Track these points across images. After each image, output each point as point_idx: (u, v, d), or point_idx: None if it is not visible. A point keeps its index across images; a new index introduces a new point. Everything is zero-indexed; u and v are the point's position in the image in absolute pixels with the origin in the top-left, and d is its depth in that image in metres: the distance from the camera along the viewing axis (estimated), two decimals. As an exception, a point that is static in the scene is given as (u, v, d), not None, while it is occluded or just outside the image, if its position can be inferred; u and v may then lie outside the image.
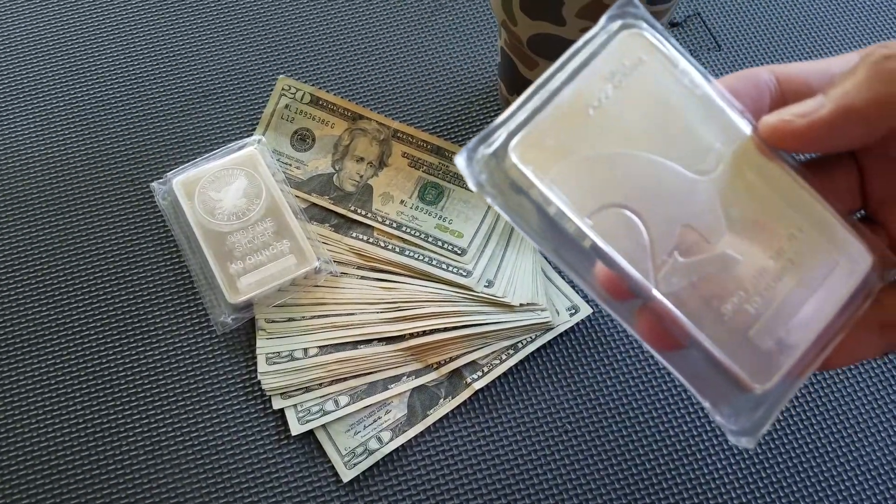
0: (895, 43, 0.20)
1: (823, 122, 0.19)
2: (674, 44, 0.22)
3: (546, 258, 0.48)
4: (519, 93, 0.47)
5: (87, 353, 0.46)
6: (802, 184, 0.21)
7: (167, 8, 0.56)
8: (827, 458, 0.44)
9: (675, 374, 0.21)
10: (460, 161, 0.20)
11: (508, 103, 0.50)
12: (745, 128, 0.21)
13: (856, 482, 0.44)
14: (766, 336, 0.20)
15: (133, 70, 0.54)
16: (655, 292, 0.20)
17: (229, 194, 0.48)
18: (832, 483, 0.44)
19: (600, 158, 0.20)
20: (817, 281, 0.21)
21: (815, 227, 0.21)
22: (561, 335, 0.46)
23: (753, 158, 0.21)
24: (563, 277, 0.48)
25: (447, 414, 0.45)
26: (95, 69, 0.54)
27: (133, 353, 0.46)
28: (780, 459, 0.44)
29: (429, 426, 0.44)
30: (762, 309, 0.20)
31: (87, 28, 0.55)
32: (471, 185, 0.20)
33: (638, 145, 0.21)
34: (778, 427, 0.45)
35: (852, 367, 0.47)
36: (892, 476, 0.44)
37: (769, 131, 0.20)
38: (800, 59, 0.56)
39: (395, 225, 0.49)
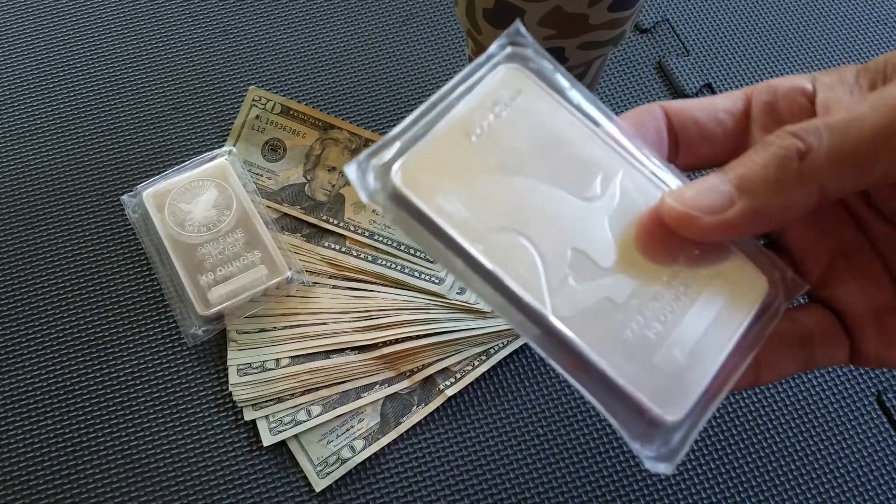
0: (788, 87, 0.20)
1: (731, 224, 0.19)
2: (562, 73, 0.22)
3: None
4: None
5: (57, 367, 0.46)
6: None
7: (135, 20, 0.56)
8: (795, 459, 0.45)
9: (589, 398, 0.20)
10: (351, 171, 0.20)
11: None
12: (628, 156, 0.21)
13: (823, 480, 0.44)
14: (670, 362, 0.20)
15: (102, 82, 0.54)
16: (552, 318, 0.20)
17: (199, 206, 0.48)
18: (800, 482, 0.44)
19: (486, 184, 0.20)
20: (716, 305, 0.21)
21: (706, 252, 0.21)
22: (533, 340, 0.46)
23: (639, 183, 0.21)
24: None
25: (420, 421, 0.45)
26: (63, 82, 0.54)
27: (103, 366, 0.46)
28: (749, 459, 0.45)
29: (402, 434, 0.44)
30: (663, 335, 0.20)
31: (54, 39, 0.55)
32: (361, 197, 0.20)
33: (522, 171, 0.20)
34: (746, 427, 0.45)
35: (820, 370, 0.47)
36: (860, 475, 0.45)
37: (675, 221, 0.20)
38: (768, 63, 0.57)
39: (367, 234, 0.49)
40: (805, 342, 0.22)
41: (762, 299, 0.21)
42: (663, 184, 0.22)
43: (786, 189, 0.19)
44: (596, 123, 0.22)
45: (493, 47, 0.22)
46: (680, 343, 0.20)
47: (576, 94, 0.22)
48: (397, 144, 0.20)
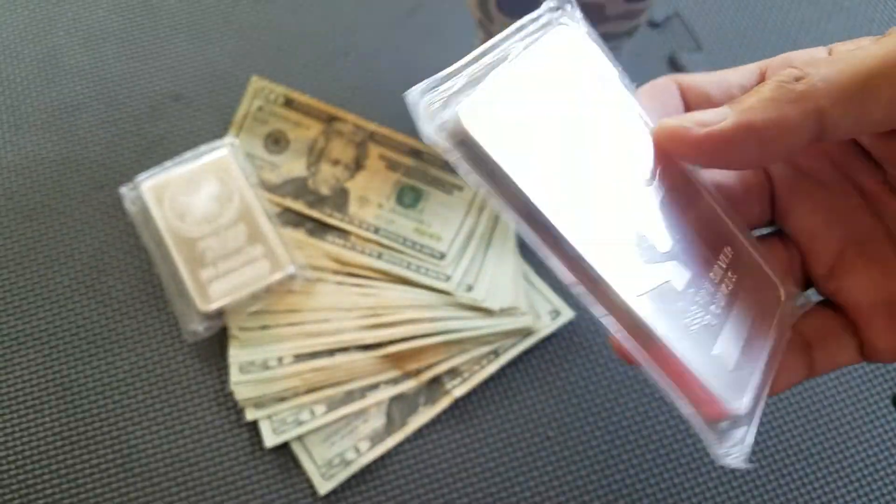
0: (806, 58, 0.19)
1: (722, 136, 0.18)
2: (605, 50, 0.21)
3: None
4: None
5: (56, 363, 0.44)
6: (717, 206, 0.21)
7: (137, 9, 0.55)
8: (811, 461, 0.44)
9: (663, 385, 0.20)
10: (414, 103, 0.18)
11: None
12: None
13: (839, 484, 0.43)
14: (727, 355, 0.20)
15: (101, 73, 0.53)
16: (631, 298, 0.19)
17: (200, 199, 0.47)
18: (815, 486, 0.43)
19: (553, 146, 0.19)
20: (751, 306, 0.21)
21: (739, 253, 0.21)
22: (542, 340, 0.45)
23: (678, 177, 0.21)
24: (545, 280, 0.47)
25: (426, 422, 0.44)
26: (62, 73, 0.52)
27: (102, 363, 0.45)
28: (763, 464, 0.44)
29: (408, 435, 0.43)
30: (717, 327, 0.20)
31: (54, 31, 0.54)
32: (422, 131, 0.18)
33: (586, 142, 0.19)
34: (761, 431, 0.44)
35: (834, 372, 0.46)
36: (876, 479, 0.44)
37: (665, 136, 0.19)
38: (780, 58, 0.55)
39: (372, 229, 0.48)
40: (807, 347, 0.21)
41: (781, 305, 0.21)
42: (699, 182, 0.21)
43: (782, 106, 0.18)
44: (636, 104, 0.21)
45: (543, 6, 0.21)
46: (732, 337, 0.20)
47: (616, 71, 0.21)
48: (461, 80, 0.18)
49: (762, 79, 0.22)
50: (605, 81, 0.21)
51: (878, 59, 0.17)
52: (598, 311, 0.19)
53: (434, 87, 0.19)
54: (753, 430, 0.20)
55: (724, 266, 0.21)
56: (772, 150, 0.19)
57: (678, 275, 0.20)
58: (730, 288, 0.21)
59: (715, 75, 0.22)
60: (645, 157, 0.20)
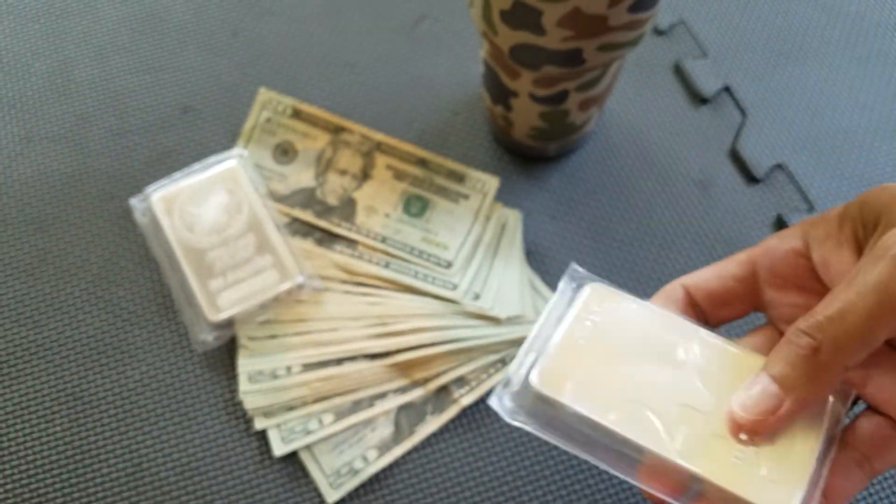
0: (812, 324, 0.23)
1: (787, 417, 0.24)
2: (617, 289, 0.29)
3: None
4: (502, 103, 0.46)
5: (67, 373, 0.45)
6: (741, 347, 0.27)
7: (146, 22, 0.55)
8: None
9: None
10: (494, 402, 0.26)
11: (492, 113, 0.50)
12: (692, 326, 0.27)
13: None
14: (774, 470, 0.24)
15: (112, 85, 0.53)
16: (680, 460, 0.24)
17: (209, 210, 0.47)
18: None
19: (600, 374, 0.26)
20: (799, 421, 0.25)
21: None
22: (549, 348, 0.46)
23: (709, 344, 0.27)
24: (551, 289, 0.47)
25: (435, 431, 0.44)
26: (73, 86, 0.53)
27: (113, 373, 0.45)
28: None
29: (416, 444, 0.43)
30: (760, 453, 0.24)
31: (64, 45, 0.55)
32: (510, 422, 0.26)
33: (623, 359, 0.26)
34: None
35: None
36: (884, 486, 0.44)
37: (747, 427, 0.24)
38: (786, 65, 0.55)
39: (379, 238, 0.48)
40: (863, 462, 0.25)
41: (829, 409, 0.25)
42: (724, 343, 0.27)
43: (816, 380, 0.24)
44: (660, 312, 0.28)
45: (562, 283, 0.29)
46: (776, 457, 0.24)
47: (634, 298, 0.28)
48: (525, 366, 0.27)
49: (753, 269, 0.28)
50: (626, 307, 0.28)
51: (869, 315, 0.22)
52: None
53: (507, 384, 0.27)
54: None
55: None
56: (817, 398, 0.25)
57: (721, 423, 0.25)
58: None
59: (712, 272, 0.29)
60: (674, 346, 0.27)
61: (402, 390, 0.44)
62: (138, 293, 0.47)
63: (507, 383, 0.27)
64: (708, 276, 0.29)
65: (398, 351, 0.45)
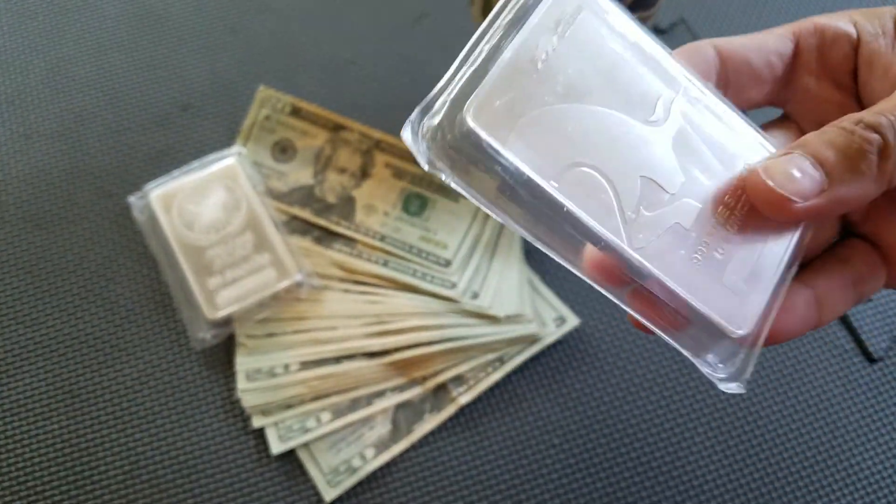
0: (882, 122, 0.20)
1: (818, 210, 0.20)
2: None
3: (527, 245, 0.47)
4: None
5: (65, 370, 0.45)
6: (744, 126, 0.22)
7: (144, 19, 0.55)
8: (818, 468, 0.44)
9: (655, 330, 0.21)
10: (406, 136, 0.19)
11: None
12: (685, 78, 0.22)
13: (847, 491, 0.43)
14: (737, 282, 0.21)
15: (110, 83, 0.53)
16: (630, 251, 0.20)
17: (208, 207, 0.47)
18: (823, 493, 0.43)
19: (554, 116, 0.20)
20: (766, 225, 0.22)
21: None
22: (548, 347, 0.45)
23: (698, 106, 0.22)
24: (548, 287, 0.47)
25: (433, 429, 0.44)
26: (71, 83, 0.53)
27: (110, 370, 0.45)
28: (770, 470, 0.44)
29: (414, 442, 0.43)
30: (728, 255, 0.21)
31: (62, 42, 0.54)
32: (421, 163, 0.19)
33: (588, 98, 0.20)
34: (769, 437, 0.44)
35: (839, 377, 0.46)
36: (886, 486, 0.43)
37: (765, 201, 0.21)
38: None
39: (378, 237, 0.48)
40: (857, 282, 0.23)
41: (800, 230, 0.22)
42: (721, 106, 0.22)
43: (866, 183, 0.20)
44: (649, 45, 0.22)
45: None
46: (742, 263, 0.21)
47: (626, 17, 0.22)
48: (452, 93, 0.20)
49: (797, 46, 0.24)
50: (608, 28, 0.21)
51: None
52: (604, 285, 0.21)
53: (427, 110, 0.19)
54: (757, 352, 0.21)
55: (738, 193, 0.21)
56: (847, 210, 0.21)
57: (686, 212, 0.21)
58: (743, 212, 0.21)
59: (752, 41, 0.24)
60: (652, 95, 0.21)
61: (401, 389, 0.44)
62: (136, 291, 0.47)
63: (426, 109, 0.20)
64: (746, 44, 0.24)
65: (396, 349, 0.45)
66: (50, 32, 0.55)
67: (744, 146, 0.22)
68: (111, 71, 0.53)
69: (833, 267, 0.23)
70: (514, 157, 0.19)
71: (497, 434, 0.44)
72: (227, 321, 0.45)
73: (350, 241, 0.48)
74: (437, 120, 0.19)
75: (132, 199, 0.48)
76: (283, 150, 0.51)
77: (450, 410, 0.44)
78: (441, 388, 0.44)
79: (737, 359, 0.21)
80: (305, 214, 0.49)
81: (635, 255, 0.20)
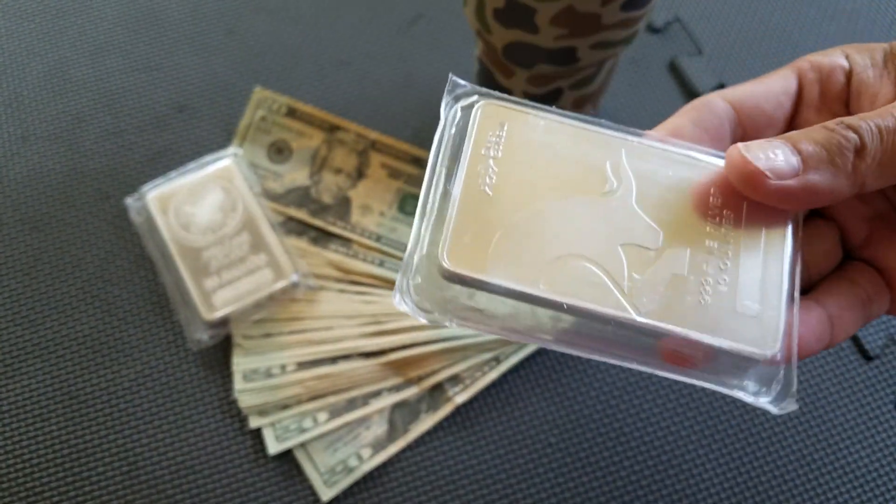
0: (863, 125, 0.21)
1: (789, 191, 0.21)
2: (516, 98, 0.23)
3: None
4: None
5: (63, 372, 0.45)
6: (700, 156, 0.22)
7: (141, 21, 0.55)
8: (813, 467, 0.44)
9: (693, 381, 0.21)
10: (399, 303, 0.20)
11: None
12: (622, 138, 0.22)
13: (844, 490, 0.43)
14: (750, 306, 0.21)
15: (107, 85, 0.53)
16: (640, 319, 0.20)
17: (204, 208, 0.48)
18: (820, 491, 0.43)
19: (520, 228, 0.21)
20: (758, 243, 0.22)
21: (730, 192, 0.22)
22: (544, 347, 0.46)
23: (646, 156, 0.22)
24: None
25: (429, 429, 0.44)
26: (68, 85, 0.53)
27: (108, 371, 0.45)
28: (765, 469, 0.44)
29: (410, 442, 0.43)
30: (732, 284, 0.21)
31: (60, 44, 0.55)
32: (420, 320, 0.20)
33: (544, 197, 0.21)
34: (765, 435, 0.44)
35: (835, 374, 0.46)
36: (881, 483, 0.44)
37: (740, 175, 0.21)
38: (782, 62, 0.55)
39: (374, 237, 0.48)
40: (866, 302, 0.24)
41: (791, 221, 0.22)
42: (668, 147, 0.22)
43: (839, 177, 0.21)
44: (576, 126, 0.22)
45: (442, 111, 0.22)
46: (748, 286, 0.21)
47: (543, 108, 0.23)
48: (422, 249, 0.21)
49: (800, 83, 0.25)
50: (532, 127, 0.22)
51: None
52: (625, 360, 0.21)
53: (407, 271, 0.21)
54: (795, 364, 0.21)
55: (717, 219, 0.22)
56: (816, 203, 0.22)
57: (678, 261, 0.21)
58: (733, 239, 0.21)
59: (759, 86, 0.24)
60: (599, 166, 0.22)
61: (397, 388, 0.44)
62: (134, 292, 0.47)
63: (406, 271, 0.21)
64: (754, 91, 0.24)
65: (392, 349, 0.45)
66: (47, 35, 0.55)
67: (709, 172, 0.22)
68: (108, 73, 0.54)
69: (842, 287, 0.24)
70: (497, 279, 0.20)
71: (493, 433, 0.44)
72: (223, 322, 0.45)
73: (346, 241, 0.48)
74: (419, 279, 0.20)
75: (129, 201, 0.49)
76: (279, 151, 0.51)
77: (446, 410, 0.44)
78: (437, 388, 0.44)
79: (777, 378, 0.21)
80: (301, 215, 0.49)
81: (647, 321, 0.20)
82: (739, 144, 0.21)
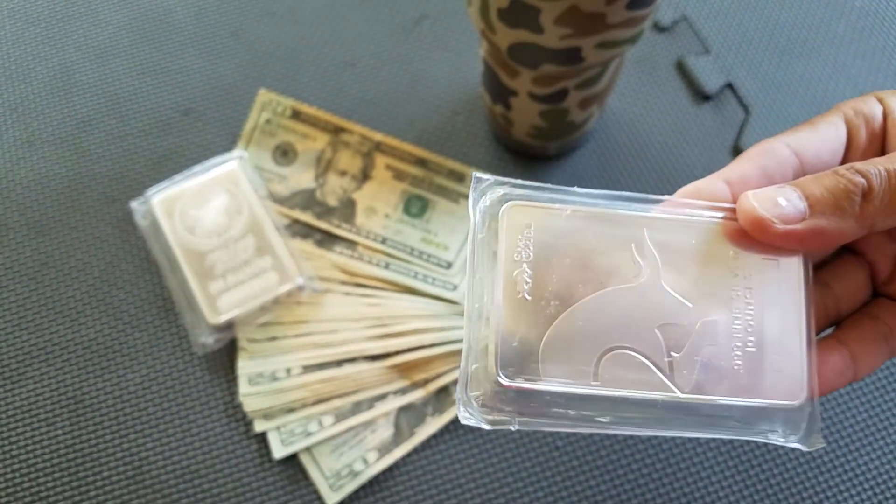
0: (871, 169, 0.22)
1: (797, 235, 0.22)
2: (537, 185, 0.23)
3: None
4: (502, 102, 0.46)
5: (68, 376, 0.45)
6: (705, 222, 0.23)
7: (146, 25, 0.55)
8: (822, 469, 0.43)
9: (730, 437, 0.23)
10: (464, 415, 0.22)
11: (492, 112, 0.50)
12: (643, 215, 0.23)
13: (853, 493, 0.43)
14: (777, 361, 0.22)
15: (112, 89, 0.53)
16: (684, 396, 0.22)
17: (209, 212, 0.47)
18: (830, 494, 0.43)
19: (562, 328, 0.22)
20: (776, 295, 0.23)
21: (742, 259, 0.23)
22: (550, 349, 0.45)
23: (666, 229, 0.23)
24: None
25: (435, 432, 0.43)
26: (74, 89, 0.53)
27: (113, 376, 0.45)
28: (777, 471, 0.43)
29: (416, 445, 0.43)
30: (759, 343, 0.22)
31: (65, 48, 0.55)
32: (485, 427, 0.22)
33: (579, 293, 0.22)
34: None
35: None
36: (893, 486, 0.43)
37: (750, 222, 0.22)
38: (790, 61, 0.55)
39: (379, 239, 0.48)
40: (889, 337, 0.25)
41: (802, 268, 0.23)
42: (686, 216, 0.23)
43: (846, 220, 0.22)
44: (598, 209, 0.23)
45: (470, 209, 0.23)
46: (774, 344, 0.22)
47: (564, 191, 0.24)
48: (476, 349, 0.22)
49: (848, 131, 0.25)
50: (557, 223, 0.23)
51: None
52: (674, 423, 0.22)
53: (465, 385, 0.22)
54: (817, 404, 0.22)
55: (739, 285, 0.23)
56: (826, 244, 0.23)
57: (710, 331, 0.22)
58: (753, 296, 0.23)
59: (816, 134, 0.25)
60: (626, 251, 0.23)
61: (402, 392, 0.44)
62: (139, 296, 0.47)
63: (465, 384, 0.22)
64: (813, 139, 0.25)
65: (398, 352, 0.44)
66: (52, 39, 0.55)
67: (726, 233, 0.23)
68: (113, 77, 0.54)
69: (864, 324, 0.25)
70: (551, 387, 0.21)
71: (500, 436, 0.44)
72: (228, 325, 0.45)
73: (351, 243, 0.48)
74: (478, 392, 0.22)
75: (134, 205, 0.49)
76: (284, 154, 0.51)
77: (452, 413, 0.44)
78: (443, 391, 0.44)
79: (804, 419, 0.22)
80: (307, 217, 0.49)
81: (691, 397, 0.22)
82: (749, 192, 0.23)
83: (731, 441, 0.44)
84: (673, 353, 0.22)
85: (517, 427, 0.22)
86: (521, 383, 0.21)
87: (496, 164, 0.51)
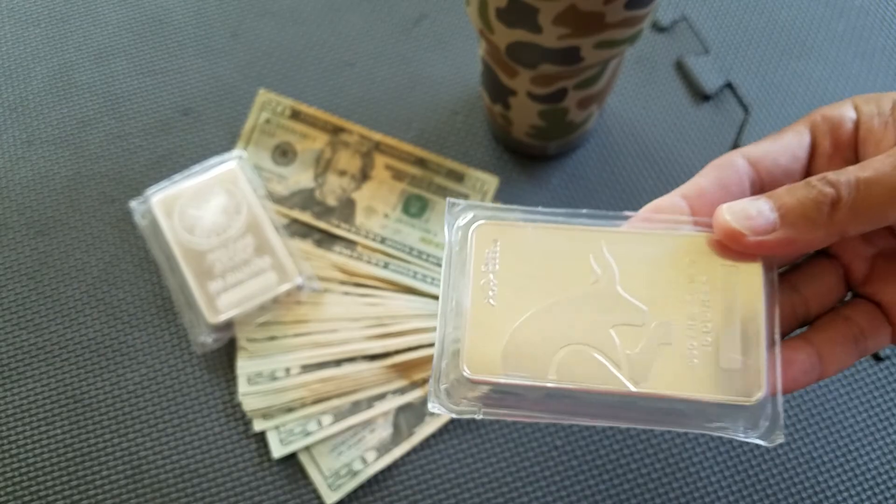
0: (841, 179, 0.23)
1: (769, 246, 0.23)
2: (504, 207, 0.26)
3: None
4: (501, 102, 0.46)
5: (67, 375, 0.45)
6: (661, 234, 0.25)
7: (146, 24, 0.56)
8: (822, 469, 0.43)
9: (688, 430, 0.24)
10: (434, 405, 0.24)
11: (491, 112, 0.50)
12: (602, 229, 0.25)
13: (853, 493, 0.43)
14: (734, 360, 0.23)
15: (111, 88, 0.53)
16: (636, 390, 0.23)
17: (209, 211, 0.47)
18: (829, 493, 0.43)
19: (522, 330, 0.24)
20: (735, 296, 0.24)
21: (703, 257, 0.25)
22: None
23: (623, 241, 0.25)
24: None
25: (434, 432, 0.43)
26: (73, 89, 0.53)
27: (113, 375, 0.45)
28: (776, 471, 0.43)
29: (415, 445, 0.43)
30: (715, 342, 0.23)
31: (65, 48, 0.55)
32: (452, 416, 0.24)
33: (539, 299, 0.24)
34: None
35: (844, 375, 0.45)
36: (890, 486, 0.43)
37: (724, 233, 0.24)
38: (789, 61, 0.55)
39: (378, 239, 0.48)
40: (859, 337, 0.26)
41: (763, 272, 0.24)
42: (644, 230, 0.25)
43: (816, 229, 0.23)
44: (559, 224, 0.26)
45: (446, 231, 0.26)
46: (729, 341, 0.23)
47: (529, 211, 0.26)
48: (447, 348, 0.24)
49: (813, 136, 0.26)
50: (521, 237, 0.25)
51: (894, 188, 0.22)
52: (627, 414, 0.24)
53: (437, 378, 0.24)
54: (780, 400, 0.23)
55: (697, 287, 0.24)
56: (798, 252, 0.24)
57: (665, 330, 0.24)
58: (710, 297, 0.24)
59: (776, 142, 0.26)
60: (584, 260, 0.25)
61: (401, 391, 0.44)
62: (138, 296, 0.47)
63: (436, 377, 0.24)
64: (771, 148, 0.26)
65: (397, 352, 0.44)
66: (52, 39, 0.55)
67: (682, 243, 0.25)
68: (112, 77, 0.54)
69: (834, 324, 0.26)
70: (512, 379, 0.23)
71: (499, 436, 0.44)
72: (228, 325, 0.45)
73: (350, 243, 0.48)
74: (447, 385, 0.24)
75: (133, 204, 0.49)
76: (284, 154, 0.51)
77: (451, 413, 0.44)
78: (442, 391, 0.44)
79: (765, 416, 0.23)
80: (306, 217, 0.49)
81: (643, 391, 0.23)
82: (723, 206, 0.24)
83: (730, 441, 0.44)
84: (627, 351, 0.24)
85: (482, 416, 0.24)
86: (484, 377, 0.23)
87: (495, 163, 0.51)
